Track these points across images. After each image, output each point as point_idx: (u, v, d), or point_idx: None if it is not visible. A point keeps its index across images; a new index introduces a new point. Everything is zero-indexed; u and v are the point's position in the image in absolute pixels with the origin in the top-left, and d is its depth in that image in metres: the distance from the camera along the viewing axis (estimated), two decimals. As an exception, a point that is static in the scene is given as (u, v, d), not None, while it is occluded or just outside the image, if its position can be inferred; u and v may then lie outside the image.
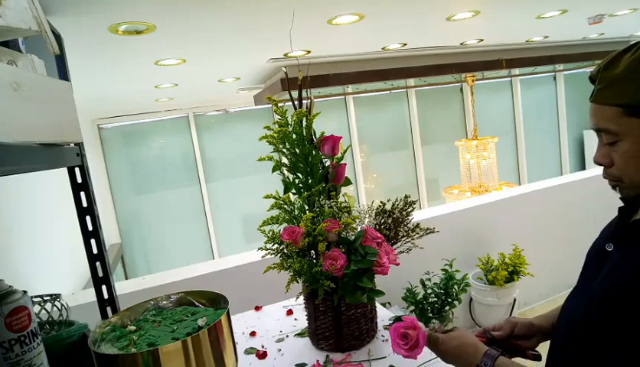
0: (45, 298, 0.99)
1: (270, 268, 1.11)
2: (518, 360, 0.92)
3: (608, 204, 1.10)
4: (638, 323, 0.68)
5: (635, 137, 0.73)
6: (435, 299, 2.64)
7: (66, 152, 1.00)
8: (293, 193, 1.22)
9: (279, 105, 1.19)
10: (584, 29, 3.55)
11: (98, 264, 1.16)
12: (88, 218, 1.14)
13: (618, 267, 0.78)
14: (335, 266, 1.07)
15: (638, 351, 0.68)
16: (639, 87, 0.71)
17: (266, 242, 1.15)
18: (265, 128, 1.19)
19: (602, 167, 0.83)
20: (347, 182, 1.25)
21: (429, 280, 2.72)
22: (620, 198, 0.86)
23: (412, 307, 2.64)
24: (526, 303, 3.28)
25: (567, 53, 4.26)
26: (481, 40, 3.37)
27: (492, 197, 3.26)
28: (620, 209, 0.87)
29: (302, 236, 1.10)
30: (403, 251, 1.24)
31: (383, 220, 1.23)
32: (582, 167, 6.99)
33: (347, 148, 1.26)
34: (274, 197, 1.18)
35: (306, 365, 1.15)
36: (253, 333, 1.37)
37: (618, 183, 0.80)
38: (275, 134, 1.17)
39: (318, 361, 1.14)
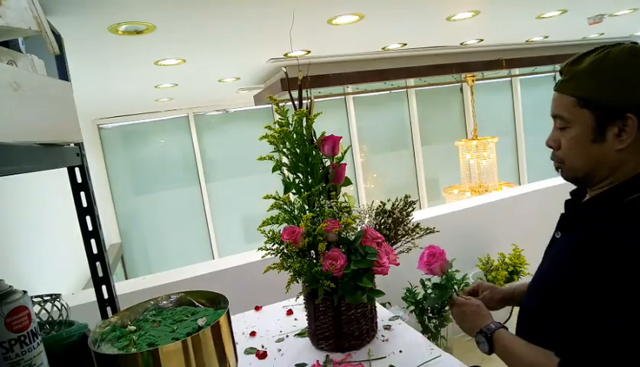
0: (45, 298, 0.99)
1: (270, 268, 1.11)
2: None
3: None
4: (575, 305, 0.79)
5: (581, 125, 0.84)
6: (436, 299, 2.64)
7: (66, 152, 1.00)
8: (293, 193, 1.22)
9: (280, 104, 1.19)
10: (584, 29, 3.54)
11: (98, 264, 1.16)
12: (88, 218, 1.14)
13: (557, 254, 0.93)
14: (335, 266, 1.07)
15: (583, 332, 0.77)
16: (595, 84, 0.82)
17: (266, 242, 1.15)
18: (266, 127, 1.19)
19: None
20: (347, 182, 1.25)
21: (429, 280, 2.72)
22: (571, 192, 0.99)
23: (412, 307, 2.64)
24: (526, 303, 3.27)
25: (567, 53, 4.26)
26: (481, 40, 3.37)
27: (492, 197, 3.26)
28: (567, 201, 0.99)
29: (302, 236, 1.10)
30: (403, 251, 1.25)
31: (383, 220, 1.23)
32: (582, 167, 6.97)
33: (348, 148, 1.26)
34: (274, 197, 1.18)
35: (306, 365, 1.14)
36: (253, 333, 1.37)
37: (561, 165, 0.92)
38: (276, 134, 1.17)
39: (318, 361, 1.14)
